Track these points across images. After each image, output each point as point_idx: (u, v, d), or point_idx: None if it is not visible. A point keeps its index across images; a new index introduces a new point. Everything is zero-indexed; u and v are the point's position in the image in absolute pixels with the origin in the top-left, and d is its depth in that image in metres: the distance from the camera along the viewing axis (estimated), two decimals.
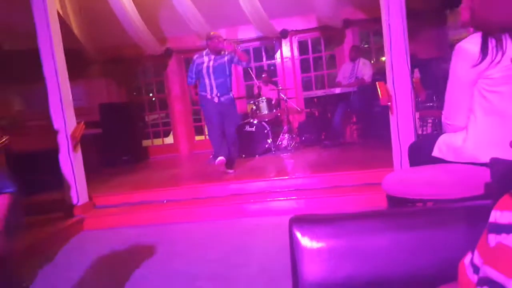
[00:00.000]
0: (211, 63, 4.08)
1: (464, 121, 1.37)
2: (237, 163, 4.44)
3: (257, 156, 5.46)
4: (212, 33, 4.14)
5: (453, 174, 1.32)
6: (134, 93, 7.90)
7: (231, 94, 4.20)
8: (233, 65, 4.22)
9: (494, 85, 1.28)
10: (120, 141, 6.30)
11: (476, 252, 0.73)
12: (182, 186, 4.08)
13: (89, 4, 5.34)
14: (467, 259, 0.76)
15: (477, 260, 0.72)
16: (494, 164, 0.95)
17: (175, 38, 6.73)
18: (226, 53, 4.10)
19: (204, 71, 4.09)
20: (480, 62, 1.27)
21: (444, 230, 0.95)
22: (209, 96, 4.11)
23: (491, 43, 1.26)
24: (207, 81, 4.09)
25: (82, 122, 3.83)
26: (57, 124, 3.60)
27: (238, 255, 2.57)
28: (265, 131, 5.59)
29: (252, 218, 3.37)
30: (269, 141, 5.60)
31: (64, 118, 3.59)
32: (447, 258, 0.91)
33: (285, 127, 5.97)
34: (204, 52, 4.16)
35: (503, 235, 0.66)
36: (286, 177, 3.86)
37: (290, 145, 5.75)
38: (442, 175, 1.34)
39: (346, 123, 6.23)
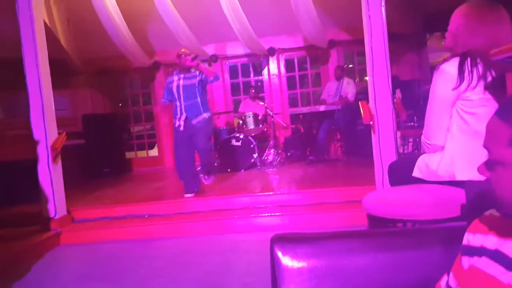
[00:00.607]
0: (180, 81, 3.88)
1: (443, 140, 1.42)
2: (223, 177, 4.32)
3: (242, 170, 5.45)
4: (182, 50, 3.97)
5: (432, 195, 1.35)
6: (120, 104, 7.84)
7: (204, 115, 3.88)
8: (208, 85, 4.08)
9: (472, 106, 1.33)
10: (102, 153, 6.21)
11: (451, 274, 0.74)
12: (165, 200, 4.03)
13: (77, 14, 5.32)
14: (443, 281, 0.78)
15: (452, 283, 0.73)
16: (469, 186, 0.98)
17: (164, 52, 6.74)
18: (198, 73, 3.87)
19: (174, 90, 3.89)
20: (459, 86, 1.33)
21: (422, 251, 0.97)
22: (176, 124, 3.90)
23: (467, 67, 1.32)
24: (177, 102, 3.88)
25: (64, 133, 3.76)
26: (37, 134, 3.52)
27: (220, 273, 2.53)
28: (251, 145, 5.61)
29: (235, 234, 3.34)
30: (255, 155, 5.61)
31: (45, 129, 3.51)
32: (425, 279, 0.93)
33: (271, 142, 6.00)
34: (175, 71, 4.01)
35: (475, 258, 0.67)
36: (271, 193, 3.86)
37: (276, 160, 5.77)
38: (421, 196, 1.37)
39: (331, 140, 6.31)
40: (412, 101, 4.79)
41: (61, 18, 5.11)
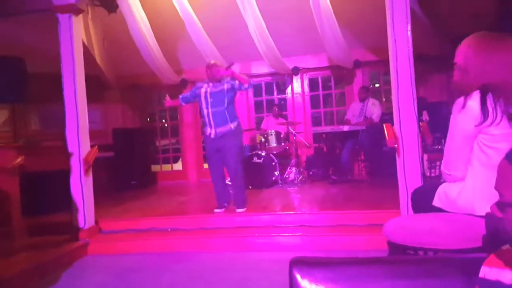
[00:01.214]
0: (209, 89, 3.96)
1: (462, 172, 1.41)
2: (248, 198, 4.15)
3: (263, 188, 5.48)
4: (211, 62, 4.05)
5: (453, 225, 1.35)
6: (148, 119, 8.11)
7: (230, 125, 3.92)
8: (238, 93, 4.09)
9: (493, 141, 1.31)
10: (130, 166, 6.41)
11: None
12: (188, 215, 4.11)
13: (112, 34, 5.62)
14: None
15: None
16: (489, 218, 0.98)
17: (191, 70, 6.97)
18: (226, 80, 3.93)
19: (203, 98, 3.96)
20: (483, 122, 1.30)
21: (441, 281, 0.98)
22: (207, 132, 3.99)
23: (491, 105, 1.29)
24: (205, 110, 3.95)
25: (96, 146, 3.95)
26: (71, 147, 3.72)
27: None
28: (273, 163, 5.65)
29: (256, 252, 3.35)
30: (276, 173, 5.64)
31: (79, 142, 3.70)
32: None
33: (293, 161, 6.02)
34: (205, 81, 4.07)
35: None
36: (292, 212, 3.87)
37: (297, 179, 5.77)
38: (443, 225, 1.36)
39: (354, 160, 6.25)
40: (440, 123, 4.70)
41: (97, 37, 5.42)
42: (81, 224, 3.67)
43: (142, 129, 7.27)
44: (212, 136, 3.95)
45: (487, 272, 0.73)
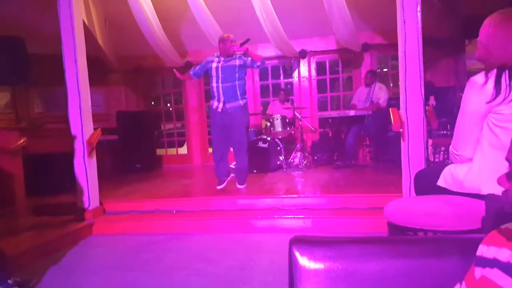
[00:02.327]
0: (220, 63, 3.89)
1: (471, 152, 1.39)
2: (249, 178, 4.29)
3: (268, 172, 5.49)
4: (225, 35, 3.97)
5: (453, 207, 1.33)
6: (152, 103, 8.10)
7: (240, 101, 3.90)
8: (249, 70, 4.05)
9: (503, 120, 1.30)
10: (134, 149, 6.43)
11: (463, 283, 0.75)
12: (193, 197, 4.14)
13: (113, 15, 5.56)
14: None
15: None
16: (490, 199, 0.96)
17: (196, 52, 6.90)
18: (238, 56, 3.89)
19: (213, 72, 3.90)
20: (494, 99, 1.29)
21: (439, 260, 0.97)
22: (214, 106, 3.94)
23: (505, 81, 1.28)
24: (214, 84, 3.90)
25: (99, 129, 3.95)
26: (74, 129, 3.72)
27: (242, 271, 2.58)
28: (278, 148, 5.64)
29: (259, 234, 3.38)
30: (281, 158, 5.64)
31: (82, 124, 3.71)
32: (440, 287, 0.93)
33: (298, 145, 6.00)
34: (216, 54, 4.01)
35: (487, 269, 0.68)
36: (295, 196, 3.88)
37: (302, 164, 5.76)
38: (443, 207, 1.35)
39: (359, 145, 6.22)
40: (446, 108, 4.65)
41: (98, 18, 5.36)
42: (85, 204, 3.71)
43: (147, 113, 7.26)
44: (219, 110, 3.91)
45: (484, 250, 0.72)
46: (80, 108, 3.71)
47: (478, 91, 1.33)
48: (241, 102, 3.92)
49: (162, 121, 7.71)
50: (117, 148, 6.35)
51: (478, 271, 0.71)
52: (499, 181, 0.65)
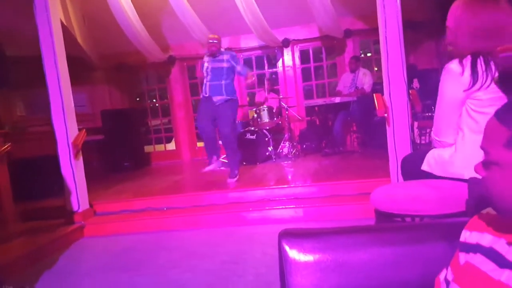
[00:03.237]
0: (210, 64, 4.26)
1: (452, 138, 1.41)
2: (239, 170, 4.39)
3: (257, 163, 5.50)
4: (209, 36, 4.32)
5: (438, 191, 1.36)
6: (138, 99, 7.99)
7: (225, 96, 4.20)
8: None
9: (481, 106, 1.31)
10: (122, 147, 6.37)
11: (449, 269, 0.77)
12: (183, 193, 4.12)
13: (92, 12, 5.43)
14: (442, 275, 0.80)
15: (449, 276, 0.76)
16: (472, 183, 0.98)
17: (178, 46, 6.82)
18: (226, 58, 4.22)
19: (205, 71, 4.28)
20: (471, 87, 1.30)
21: (426, 246, 0.99)
22: (202, 94, 4.32)
23: (481, 67, 1.28)
24: (205, 80, 4.29)
25: (84, 130, 3.89)
26: (58, 131, 3.65)
27: (235, 264, 2.60)
28: (266, 139, 5.64)
29: (250, 226, 3.40)
30: (270, 149, 5.65)
31: (66, 126, 3.64)
32: (428, 273, 0.95)
33: (286, 135, 6.01)
34: (206, 53, 4.38)
35: (471, 254, 0.70)
36: (285, 186, 3.89)
37: (291, 153, 5.79)
38: (428, 192, 1.37)
39: (347, 132, 6.26)
40: (430, 90, 4.70)
41: (76, 15, 5.23)
42: (75, 207, 3.67)
43: (132, 110, 7.17)
44: (206, 95, 4.25)
45: (467, 236, 0.73)
46: (63, 109, 3.64)
47: (455, 79, 1.33)
48: (226, 97, 4.22)
49: (148, 117, 7.63)
50: (104, 147, 6.27)
51: (462, 257, 0.72)
52: (476, 169, 0.67)
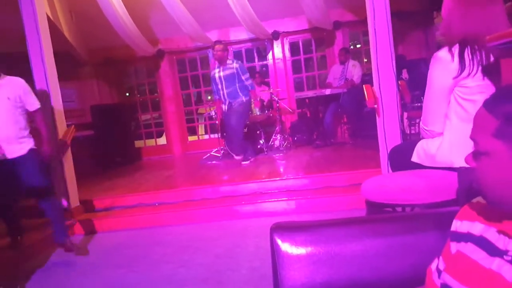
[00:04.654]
0: (221, 73, 4.66)
1: (441, 127, 1.42)
2: (230, 165, 4.72)
3: (249, 157, 5.48)
4: (216, 46, 4.69)
5: (428, 180, 1.37)
6: (127, 94, 7.89)
7: (242, 98, 4.68)
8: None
9: (470, 93, 1.32)
10: (112, 143, 6.29)
11: (441, 258, 0.78)
12: (175, 188, 4.10)
13: (79, 6, 5.33)
14: (434, 264, 0.81)
15: (441, 266, 0.76)
16: (462, 172, 0.99)
17: (167, 40, 6.74)
18: (231, 62, 4.66)
19: (217, 80, 4.69)
20: (459, 75, 1.31)
21: (417, 236, 1.00)
22: (224, 108, 4.80)
23: (468, 55, 1.30)
24: (221, 91, 4.73)
25: (73, 126, 3.84)
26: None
27: (229, 258, 2.60)
28: (258, 132, 5.63)
29: (243, 220, 3.41)
30: (261, 141, 5.64)
31: (55, 123, 3.59)
32: (419, 263, 0.96)
33: (277, 128, 6.01)
34: (216, 65, 4.80)
35: (462, 244, 0.70)
36: (277, 178, 3.90)
37: (283, 145, 5.79)
38: (417, 181, 1.39)
39: (337, 123, 6.29)
40: (419, 81, 4.72)
41: (63, 10, 5.13)
42: (65, 204, 3.63)
43: (121, 105, 7.10)
44: (226, 111, 4.77)
45: (458, 225, 0.74)
46: (51, 106, 3.58)
47: (444, 67, 1.34)
48: (244, 98, 4.71)
49: (138, 112, 7.54)
50: (94, 143, 6.19)
51: (453, 246, 0.73)
52: (466, 160, 0.67)
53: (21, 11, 3.53)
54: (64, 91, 3.85)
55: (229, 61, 4.68)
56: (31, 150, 2.82)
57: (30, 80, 3.63)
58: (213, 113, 5.59)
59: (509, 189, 0.59)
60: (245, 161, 4.77)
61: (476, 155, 0.65)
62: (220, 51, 4.60)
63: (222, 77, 4.65)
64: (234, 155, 4.87)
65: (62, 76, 3.83)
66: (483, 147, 0.63)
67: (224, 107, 4.80)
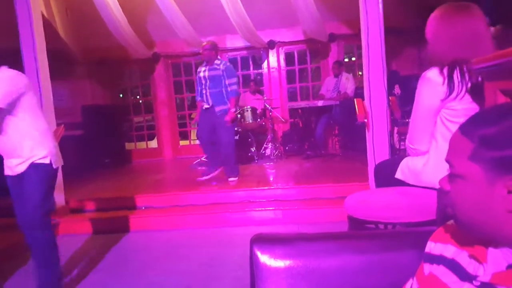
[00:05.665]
0: (206, 73, 4.22)
1: (426, 146, 1.43)
2: (220, 172, 4.38)
3: (240, 164, 5.47)
4: (203, 44, 4.28)
5: (410, 199, 1.38)
6: (121, 95, 7.85)
7: (227, 106, 4.15)
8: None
9: (455, 116, 1.33)
10: (102, 144, 6.24)
11: (415, 279, 0.78)
12: (163, 193, 4.07)
13: (75, 5, 5.32)
14: (408, 285, 0.81)
15: (414, 286, 0.77)
16: (442, 193, 0.99)
17: (163, 43, 6.75)
18: (220, 63, 4.21)
19: (202, 79, 4.25)
20: (447, 97, 1.31)
21: (396, 254, 1.00)
22: (203, 106, 4.23)
23: (457, 78, 1.30)
24: (203, 91, 4.24)
25: (62, 125, 3.79)
26: None
27: (214, 266, 2.58)
28: (249, 139, 5.63)
29: (230, 227, 3.39)
30: (252, 149, 5.64)
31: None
32: (397, 281, 0.96)
33: (269, 136, 6.02)
34: (204, 62, 4.35)
35: (434, 266, 0.71)
36: (266, 187, 3.90)
37: (273, 154, 5.80)
38: (399, 199, 1.39)
39: (329, 135, 6.32)
40: (411, 96, 4.78)
41: (59, 8, 5.11)
42: None
43: (114, 106, 7.05)
44: (206, 107, 4.20)
45: (432, 247, 0.74)
46: (41, 104, 3.54)
47: (432, 88, 1.35)
48: (228, 106, 4.17)
49: (130, 114, 7.50)
50: (84, 143, 6.13)
51: (427, 268, 0.73)
52: (441, 183, 0.67)
53: (15, 5, 3.50)
54: (56, 90, 3.82)
55: (217, 61, 4.22)
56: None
57: None
58: None
59: (481, 214, 0.60)
60: (233, 178, 4.30)
61: (451, 177, 0.66)
62: (208, 50, 4.17)
63: (207, 77, 4.21)
64: (228, 177, 4.28)
65: (55, 75, 3.80)
66: (458, 170, 0.63)
67: (205, 105, 4.21)
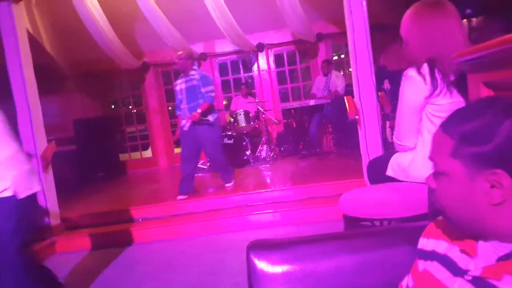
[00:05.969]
0: (183, 85, 3.98)
1: (413, 142, 1.44)
2: (216, 177, 4.36)
3: (235, 168, 5.47)
4: (179, 53, 4.04)
5: (402, 194, 1.39)
6: (113, 106, 7.82)
7: (208, 118, 3.89)
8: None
9: (440, 111, 1.33)
10: (95, 157, 6.19)
11: (410, 275, 0.78)
12: (159, 203, 4.05)
13: (60, 18, 5.28)
14: (404, 282, 0.81)
15: (410, 283, 0.77)
16: (430, 189, 1.00)
17: (152, 52, 6.73)
18: (195, 73, 3.95)
19: (178, 94, 4.00)
20: (431, 94, 1.31)
21: (392, 251, 1.00)
22: (182, 123, 3.96)
23: (439, 75, 1.30)
24: (182, 105, 3.99)
25: (53, 142, 3.77)
26: (26, 144, 3.52)
27: (213, 273, 2.57)
28: (244, 143, 5.63)
29: (229, 233, 3.38)
30: (247, 152, 5.64)
31: (34, 139, 3.52)
32: (395, 278, 0.96)
33: (263, 138, 6.02)
34: (180, 76, 4.10)
35: (428, 262, 0.71)
36: (263, 190, 3.90)
37: (269, 156, 5.80)
38: (392, 195, 1.40)
39: (322, 133, 6.34)
40: None
41: (44, 23, 5.08)
42: (45, 222, 3.54)
43: (105, 118, 7.01)
44: (186, 128, 3.90)
45: (424, 243, 0.75)
46: (30, 121, 3.52)
47: (415, 86, 1.34)
48: (210, 118, 3.91)
49: (123, 125, 7.47)
50: (77, 158, 6.09)
51: (421, 264, 0.74)
52: (427, 181, 0.68)
53: None
54: (46, 105, 3.79)
55: (192, 72, 3.93)
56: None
57: (8, 95, 3.57)
58: None
59: (466, 209, 0.60)
60: (229, 183, 4.20)
61: (435, 175, 0.66)
62: (183, 59, 3.89)
63: (183, 89, 3.94)
64: (224, 183, 4.20)
65: (44, 90, 3.77)
66: (441, 167, 0.64)
67: (184, 123, 3.92)
